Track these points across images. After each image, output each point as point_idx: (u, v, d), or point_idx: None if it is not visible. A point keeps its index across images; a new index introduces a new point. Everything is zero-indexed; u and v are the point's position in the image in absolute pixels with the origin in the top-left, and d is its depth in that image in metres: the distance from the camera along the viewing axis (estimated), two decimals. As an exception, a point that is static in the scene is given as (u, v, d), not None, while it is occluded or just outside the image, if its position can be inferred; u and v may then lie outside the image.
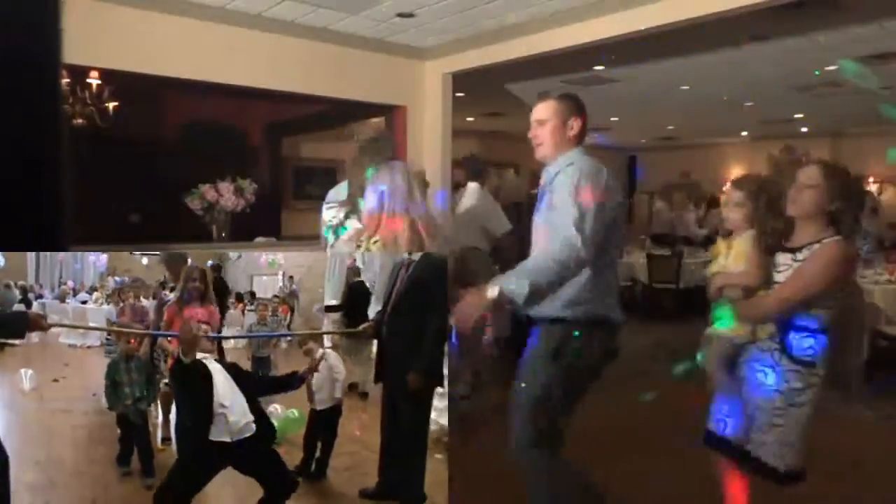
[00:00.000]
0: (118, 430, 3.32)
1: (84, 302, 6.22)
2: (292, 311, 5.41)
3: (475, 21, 5.29)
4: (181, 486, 2.25)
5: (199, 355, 2.41)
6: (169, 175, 6.25)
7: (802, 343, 2.27)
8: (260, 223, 6.09)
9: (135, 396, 3.24)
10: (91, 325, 4.83)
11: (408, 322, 2.86)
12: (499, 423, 2.87)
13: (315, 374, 3.42)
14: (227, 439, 2.24)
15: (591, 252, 2.25)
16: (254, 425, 2.30)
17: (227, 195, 5.56)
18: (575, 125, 2.46)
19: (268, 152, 8.64)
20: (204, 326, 2.40)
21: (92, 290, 5.86)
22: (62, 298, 6.18)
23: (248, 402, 2.36)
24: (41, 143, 0.68)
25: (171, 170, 6.46)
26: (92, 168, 4.94)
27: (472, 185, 5.16)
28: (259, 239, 5.73)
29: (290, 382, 2.60)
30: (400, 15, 5.15)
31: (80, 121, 5.83)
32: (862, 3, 5.09)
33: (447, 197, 5.55)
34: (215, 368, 2.36)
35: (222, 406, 2.26)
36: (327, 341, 3.64)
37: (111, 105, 5.97)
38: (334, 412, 3.46)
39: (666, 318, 7.46)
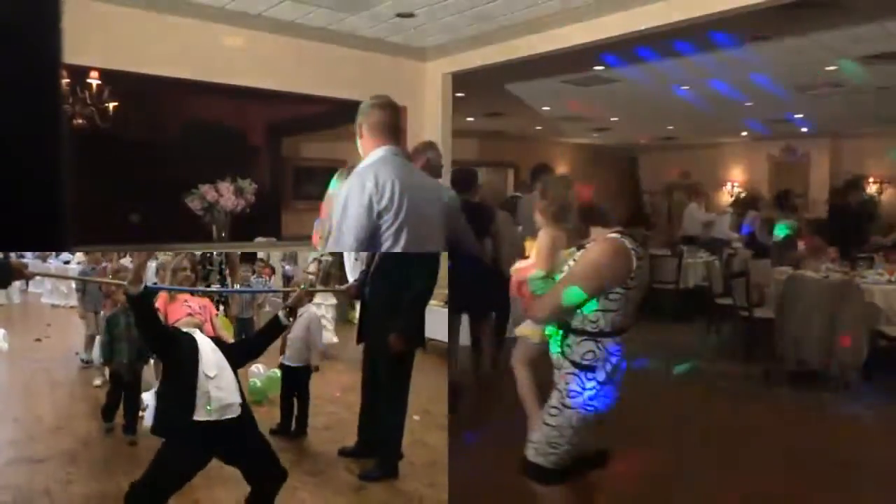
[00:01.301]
0: (109, 384, 3.27)
1: (67, 262, 6.22)
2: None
3: (475, 21, 5.29)
4: (160, 483, 2.10)
5: (185, 328, 2.32)
6: (169, 175, 6.24)
7: (580, 346, 2.13)
8: (260, 223, 6.09)
9: (131, 356, 3.15)
10: (72, 276, 4.80)
11: (390, 284, 2.89)
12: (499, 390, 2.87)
13: (292, 330, 3.38)
14: (211, 417, 2.11)
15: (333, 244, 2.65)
16: (240, 407, 2.19)
17: (227, 195, 5.55)
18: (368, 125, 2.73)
19: (268, 152, 8.64)
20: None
21: (75, 249, 5.88)
22: (44, 258, 6.19)
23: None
24: (41, 143, 0.68)
25: (171, 170, 6.45)
26: (92, 168, 4.94)
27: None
28: (259, 239, 5.73)
29: (274, 327, 2.45)
30: (400, 15, 5.15)
31: (80, 121, 5.82)
32: (862, 3, 5.09)
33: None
34: (203, 340, 2.27)
35: (207, 376, 2.13)
36: (315, 306, 3.67)
37: (111, 105, 5.97)
38: (304, 372, 3.47)
39: (666, 318, 7.47)
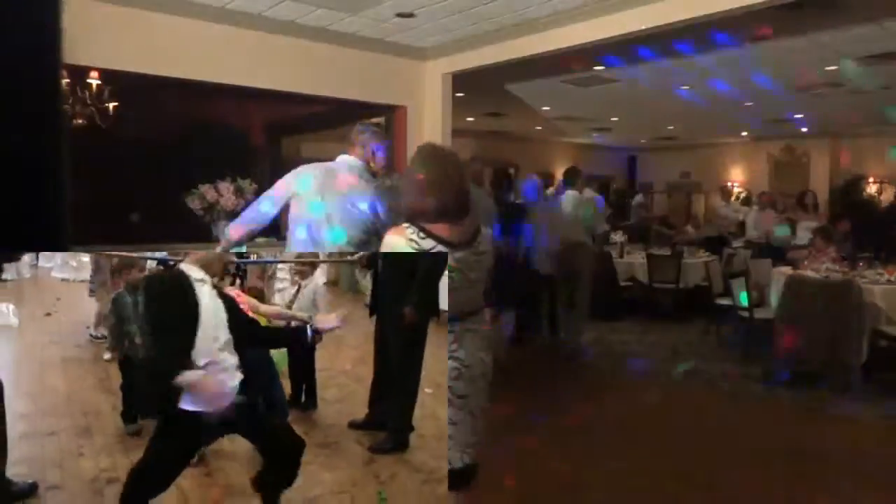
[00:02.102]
0: (122, 380, 3.11)
1: (71, 246, 6.22)
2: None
3: (475, 21, 5.29)
4: (158, 469, 1.93)
5: (183, 265, 2.01)
6: (169, 175, 6.24)
7: None
8: (260, 223, 6.09)
9: (142, 336, 3.05)
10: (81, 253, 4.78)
11: (404, 256, 2.90)
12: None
13: (298, 301, 3.36)
14: (198, 408, 1.91)
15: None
16: (240, 384, 1.98)
17: (227, 195, 5.55)
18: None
19: (268, 152, 8.64)
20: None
21: (85, 227, 5.91)
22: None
23: (254, 363, 2.04)
24: (41, 144, 0.68)
25: (171, 170, 6.46)
26: (92, 168, 4.94)
27: (572, 193, 6.08)
28: (259, 239, 5.72)
29: (293, 341, 2.33)
30: (400, 15, 5.15)
31: (80, 121, 5.83)
32: (862, 3, 5.09)
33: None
34: (206, 294, 1.96)
35: (196, 366, 1.88)
36: (322, 276, 3.66)
37: (111, 105, 5.97)
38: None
39: (666, 318, 7.46)
